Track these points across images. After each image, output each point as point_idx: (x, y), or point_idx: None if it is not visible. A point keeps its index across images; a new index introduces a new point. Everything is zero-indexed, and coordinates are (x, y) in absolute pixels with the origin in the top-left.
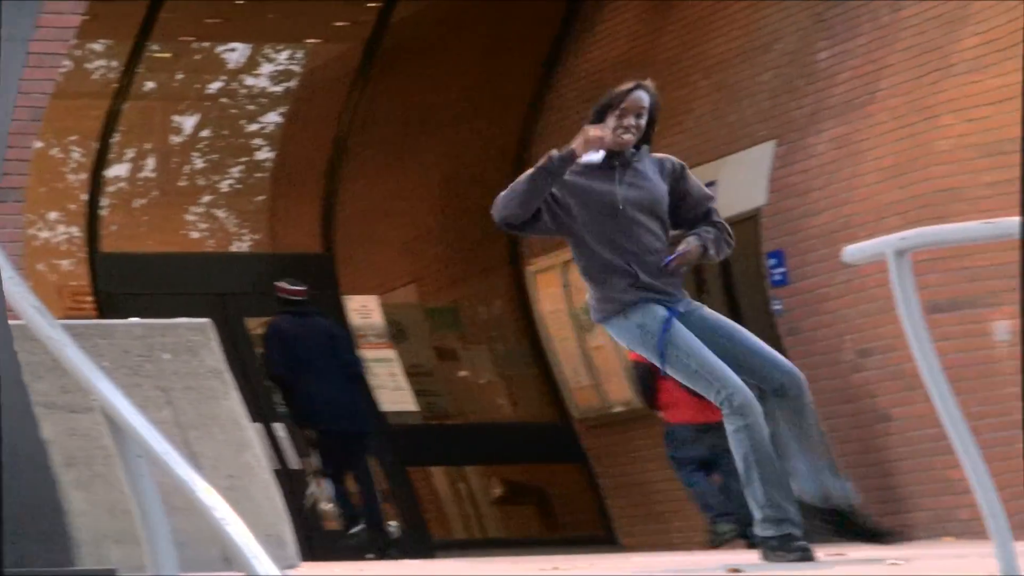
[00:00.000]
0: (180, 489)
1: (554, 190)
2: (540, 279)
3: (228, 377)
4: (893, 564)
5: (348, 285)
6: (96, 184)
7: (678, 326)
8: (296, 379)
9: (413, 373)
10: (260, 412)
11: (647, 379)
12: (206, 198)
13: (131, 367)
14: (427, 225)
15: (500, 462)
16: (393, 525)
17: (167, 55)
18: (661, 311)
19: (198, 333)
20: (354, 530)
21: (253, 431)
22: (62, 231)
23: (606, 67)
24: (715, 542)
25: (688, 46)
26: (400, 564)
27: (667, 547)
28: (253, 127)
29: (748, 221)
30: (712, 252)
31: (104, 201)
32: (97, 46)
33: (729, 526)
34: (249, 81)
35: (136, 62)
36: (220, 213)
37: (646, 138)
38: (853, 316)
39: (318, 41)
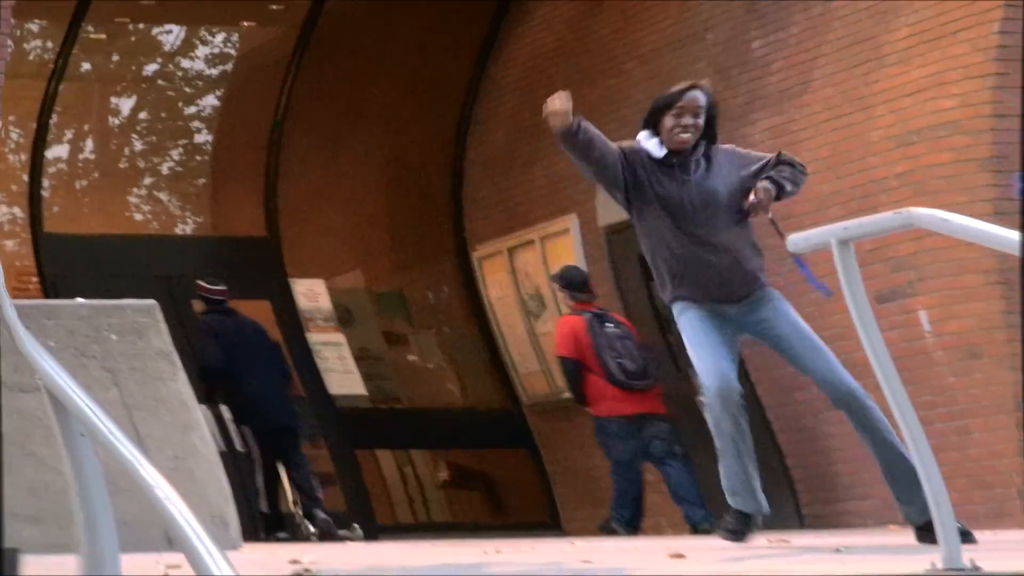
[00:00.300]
0: (124, 469)
1: (629, 175)
2: (486, 265)
3: (176, 359)
4: (837, 552)
5: (294, 269)
6: (36, 165)
7: (691, 318)
8: (231, 375)
9: (362, 357)
10: (207, 394)
11: (575, 373)
12: (147, 180)
13: (77, 347)
14: (370, 211)
15: (448, 447)
16: (357, 529)
17: (102, 36)
18: (693, 311)
19: (145, 315)
20: (281, 535)
21: (200, 413)
22: (4, 212)
23: (541, 54)
24: (604, 527)
25: (622, 34)
26: (343, 546)
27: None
28: (191, 110)
29: None
30: (789, 188)
31: (45, 182)
32: (33, 26)
33: (620, 527)
34: (185, 64)
35: (72, 43)
36: (162, 196)
37: (711, 137)
38: (802, 305)
39: (253, 24)
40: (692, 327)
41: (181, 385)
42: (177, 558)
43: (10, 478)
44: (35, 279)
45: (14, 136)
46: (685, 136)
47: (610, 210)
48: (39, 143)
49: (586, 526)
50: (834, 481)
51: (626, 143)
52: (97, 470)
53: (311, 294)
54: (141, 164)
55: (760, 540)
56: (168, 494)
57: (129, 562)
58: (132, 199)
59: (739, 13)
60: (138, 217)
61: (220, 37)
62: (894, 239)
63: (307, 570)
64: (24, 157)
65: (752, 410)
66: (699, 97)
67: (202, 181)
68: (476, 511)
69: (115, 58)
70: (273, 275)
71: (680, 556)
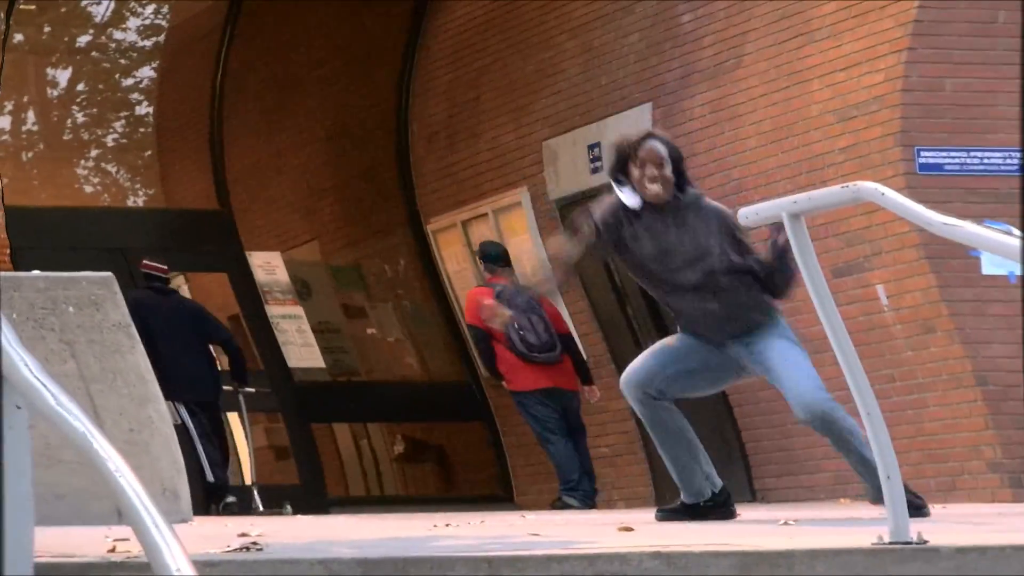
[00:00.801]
0: (72, 442)
1: (614, 245)
2: (441, 238)
3: (133, 331)
4: (784, 525)
5: (250, 241)
6: None
7: (680, 338)
8: (152, 351)
9: (320, 330)
10: None
11: (482, 342)
12: (93, 152)
13: (37, 320)
14: (320, 184)
15: (405, 420)
16: (287, 507)
17: (31, 7)
18: (690, 339)
19: (101, 287)
20: (229, 500)
21: (157, 386)
22: None
23: (472, 27)
24: (557, 506)
25: (551, 7)
26: (293, 519)
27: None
28: (128, 82)
29: None
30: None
31: None
32: None
33: (574, 501)
34: (118, 35)
35: (9, 15)
36: (110, 168)
37: (681, 185)
38: None
39: None
40: (669, 341)
41: (139, 357)
42: (126, 531)
43: None
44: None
45: None
46: (655, 188)
47: (561, 184)
48: None
49: (540, 499)
50: (788, 455)
51: (601, 209)
52: (25, 445)
53: (268, 267)
54: (85, 136)
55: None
56: (119, 466)
57: (76, 535)
58: (80, 171)
59: None
60: (88, 189)
61: (151, 8)
62: (846, 213)
63: (254, 543)
64: None
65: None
66: (657, 147)
67: (148, 153)
68: (430, 484)
69: (47, 29)
70: (229, 247)
71: (629, 529)
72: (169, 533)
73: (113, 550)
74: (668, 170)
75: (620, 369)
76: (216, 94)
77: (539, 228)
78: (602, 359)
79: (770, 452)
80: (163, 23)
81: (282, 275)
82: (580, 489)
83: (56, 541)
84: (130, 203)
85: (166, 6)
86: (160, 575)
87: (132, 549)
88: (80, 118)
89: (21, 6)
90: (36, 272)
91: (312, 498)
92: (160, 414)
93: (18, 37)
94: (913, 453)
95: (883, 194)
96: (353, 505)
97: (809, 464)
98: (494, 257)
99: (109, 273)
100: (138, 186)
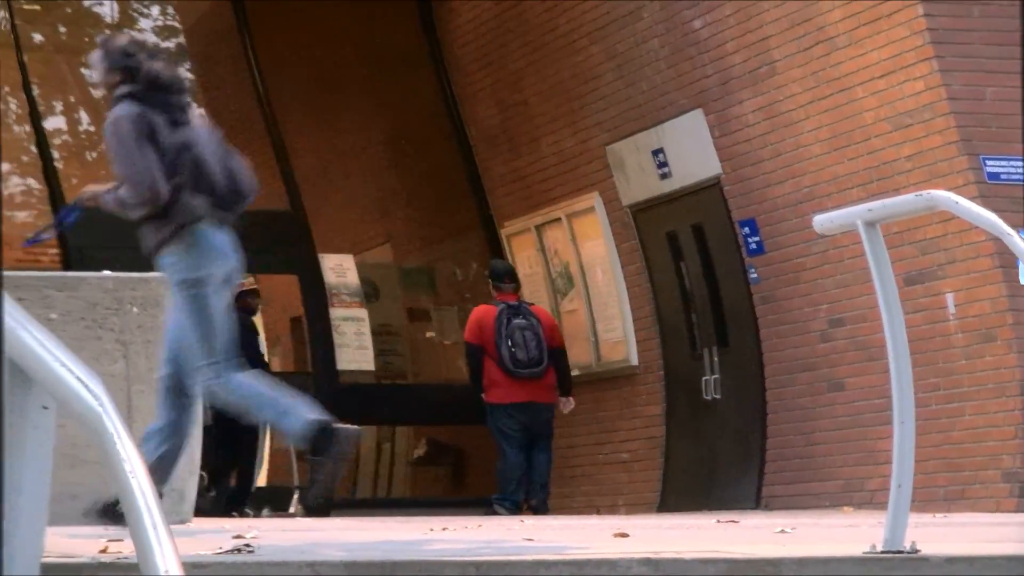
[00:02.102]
0: (98, 444)
1: None
2: (515, 241)
3: None
4: (781, 532)
5: (323, 244)
6: (40, 136)
7: None
8: None
9: (380, 332)
10: None
11: (474, 358)
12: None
13: (96, 319)
14: (389, 186)
15: (432, 422)
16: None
17: (35, 7)
18: None
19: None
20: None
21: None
22: (17, 183)
23: (486, 30)
24: (500, 512)
25: (558, 11)
26: (290, 522)
27: (567, 511)
28: None
29: (713, 189)
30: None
31: (55, 154)
32: None
33: (503, 510)
34: (136, 36)
35: (11, 13)
36: None
37: None
38: (829, 286)
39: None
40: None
41: None
42: (121, 533)
43: None
44: (55, 250)
45: (12, 107)
46: None
47: (633, 189)
48: (34, 114)
49: (550, 503)
50: (805, 463)
51: None
52: (49, 446)
53: (339, 269)
54: None
55: (710, 520)
56: (134, 468)
57: (72, 535)
58: None
59: None
60: None
61: (156, 9)
62: (922, 221)
63: (246, 545)
64: (28, 128)
65: (754, 389)
66: None
67: None
68: (438, 487)
69: (62, 29)
70: (301, 249)
71: (624, 535)
72: (165, 534)
73: (105, 550)
74: None
75: (668, 377)
76: (260, 95)
77: (613, 233)
78: (652, 365)
79: (789, 459)
80: (176, 24)
81: (352, 278)
82: (511, 500)
83: (51, 541)
84: None
85: (170, 7)
86: (148, 575)
87: (123, 550)
88: None
89: (24, 6)
90: (106, 272)
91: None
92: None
93: (37, 37)
94: (932, 462)
95: (957, 203)
96: (365, 508)
97: (822, 472)
98: (500, 274)
99: None
100: None
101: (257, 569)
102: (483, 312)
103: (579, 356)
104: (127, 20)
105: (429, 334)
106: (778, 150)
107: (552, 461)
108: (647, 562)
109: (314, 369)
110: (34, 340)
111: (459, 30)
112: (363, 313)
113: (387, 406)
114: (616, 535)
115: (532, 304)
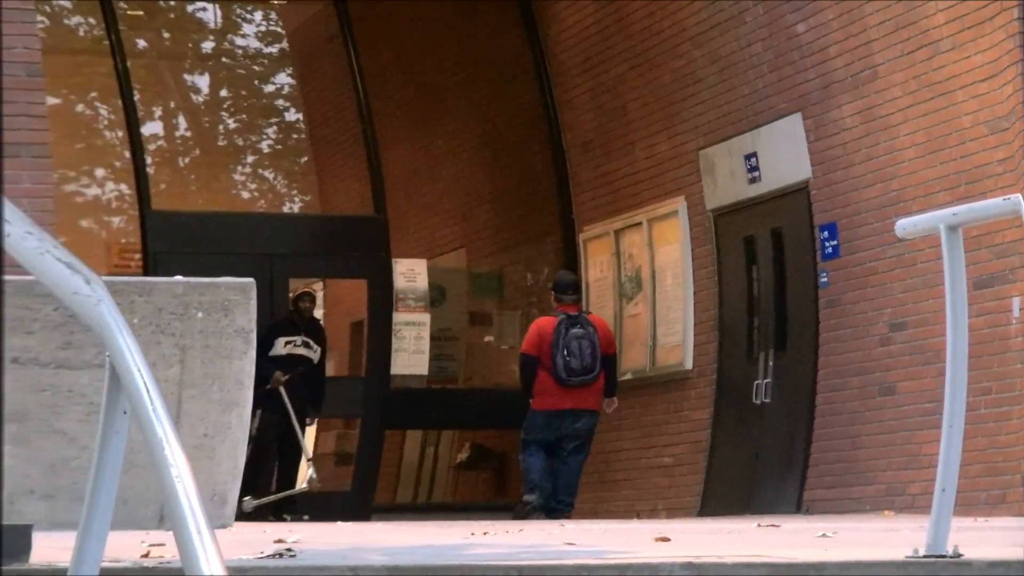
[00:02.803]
0: (149, 447)
1: None
2: (591, 246)
3: (252, 337)
4: (822, 536)
5: (398, 249)
6: (135, 142)
7: None
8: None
9: (438, 337)
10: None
11: (528, 369)
12: (249, 158)
13: (159, 324)
14: (477, 190)
15: (478, 426)
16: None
17: (139, 13)
18: None
19: (238, 292)
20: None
21: (251, 391)
22: (111, 188)
23: (590, 35)
24: (519, 512)
25: (662, 15)
26: (333, 526)
27: (608, 515)
28: (269, 88)
29: (799, 193)
30: None
31: (148, 159)
32: (65, 2)
33: (533, 497)
34: (239, 41)
35: (112, 20)
36: (267, 174)
37: None
38: (897, 290)
39: (283, 2)
40: None
41: (247, 363)
42: (162, 537)
43: (31, 453)
44: (137, 256)
45: (103, 113)
46: None
47: (718, 193)
48: (131, 120)
49: (583, 508)
50: (848, 467)
51: None
52: (121, 450)
53: (410, 274)
54: (239, 142)
55: (750, 524)
56: (181, 472)
57: (116, 539)
58: (237, 177)
59: None
60: (244, 195)
61: (259, 15)
62: (1000, 225)
63: (288, 550)
64: (120, 134)
65: (804, 393)
66: None
67: (304, 160)
68: (481, 491)
69: (165, 35)
70: (375, 254)
71: (665, 540)
72: (209, 538)
73: (147, 555)
74: None
75: (720, 381)
76: (360, 100)
77: (692, 238)
78: (706, 368)
79: (832, 463)
80: (279, 29)
81: (421, 282)
82: (538, 487)
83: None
84: (286, 208)
85: (273, 12)
86: None
87: (165, 554)
88: (231, 123)
89: (128, 12)
90: (178, 277)
91: (360, 506)
92: (240, 420)
93: (140, 43)
94: (976, 465)
95: None
96: (398, 512)
97: (865, 476)
98: (564, 286)
99: (250, 279)
100: (295, 192)
101: (299, 572)
102: (543, 324)
103: (634, 361)
104: (230, 26)
105: (488, 338)
106: (871, 154)
107: (583, 467)
108: (689, 566)
109: (367, 374)
110: (126, 347)
111: (562, 35)
112: (425, 318)
113: (434, 410)
114: (657, 539)
115: (589, 313)
